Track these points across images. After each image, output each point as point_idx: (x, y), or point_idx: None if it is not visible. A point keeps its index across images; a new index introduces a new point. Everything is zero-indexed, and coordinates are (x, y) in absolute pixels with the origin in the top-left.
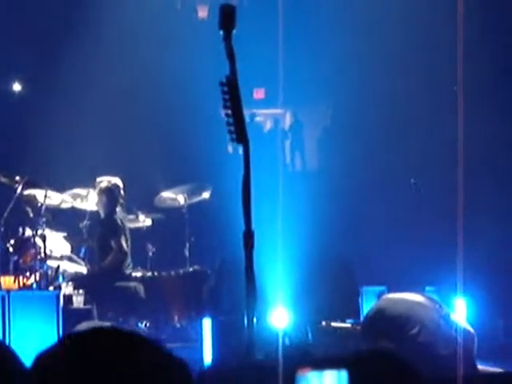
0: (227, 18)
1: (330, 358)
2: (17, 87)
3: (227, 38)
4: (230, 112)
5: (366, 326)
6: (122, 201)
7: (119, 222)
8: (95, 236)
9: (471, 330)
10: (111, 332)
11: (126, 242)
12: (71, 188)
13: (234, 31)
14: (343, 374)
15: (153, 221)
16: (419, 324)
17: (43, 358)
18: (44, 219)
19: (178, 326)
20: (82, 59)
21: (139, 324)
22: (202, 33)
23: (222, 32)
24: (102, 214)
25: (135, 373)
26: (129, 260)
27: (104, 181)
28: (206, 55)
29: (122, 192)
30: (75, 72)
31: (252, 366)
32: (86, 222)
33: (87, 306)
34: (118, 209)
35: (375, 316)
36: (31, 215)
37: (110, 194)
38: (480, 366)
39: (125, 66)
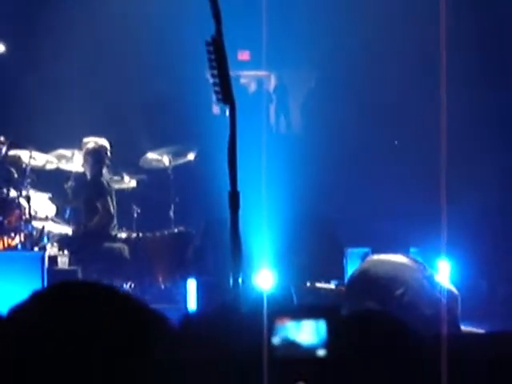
0: None
1: (308, 307)
2: (0, 48)
3: None
4: (215, 72)
5: (350, 287)
6: (108, 162)
7: (105, 183)
8: (81, 197)
9: (455, 290)
10: (82, 285)
11: (112, 203)
12: (56, 149)
13: None
14: (321, 324)
15: (138, 182)
16: (404, 285)
17: (16, 311)
18: (29, 180)
19: (163, 287)
20: (67, 18)
21: (124, 285)
22: None
23: None
24: (89, 176)
25: (105, 323)
26: (114, 221)
27: (90, 141)
28: (191, 15)
29: (108, 153)
30: (59, 31)
31: (231, 316)
32: (70, 183)
33: (72, 267)
34: (104, 170)
35: (360, 277)
36: (16, 176)
37: (96, 155)
38: (463, 327)
39: (109, 26)
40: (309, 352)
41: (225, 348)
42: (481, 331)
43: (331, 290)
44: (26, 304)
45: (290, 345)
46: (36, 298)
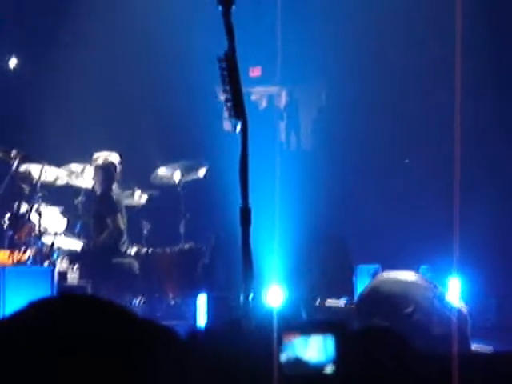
0: None
1: (315, 323)
2: (13, 62)
3: (226, 13)
4: (228, 88)
5: (360, 304)
6: (118, 177)
7: (115, 198)
8: (91, 213)
9: (465, 309)
10: (80, 298)
11: (122, 219)
12: (67, 163)
13: (233, 7)
14: (329, 340)
15: (148, 197)
16: (414, 303)
17: (11, 318)
18: (39, 195)
19: (173, 302)
20: (79, 34)
21: (134, 301)
22: (200, 9)
23: (220, 8)
24: (99, 191)
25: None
26: (124, 237)
27: (101, 157)
28: (204, 31)
29: (118, 168)
30: (72, 47)
31: (240, 331)
32: (81, 199)
33: (82, 282)
34: (115, 185)
35: (370, 294)
36: (27, 191)
37: (106, 170)
38: (473, 345)
39: (123, 42)
40: (317, 369)
41: (231, 362)
42: (490, 349)
43: (341, 307)
44: (21, 311)
45: (298, 362)
46: (32, 306)
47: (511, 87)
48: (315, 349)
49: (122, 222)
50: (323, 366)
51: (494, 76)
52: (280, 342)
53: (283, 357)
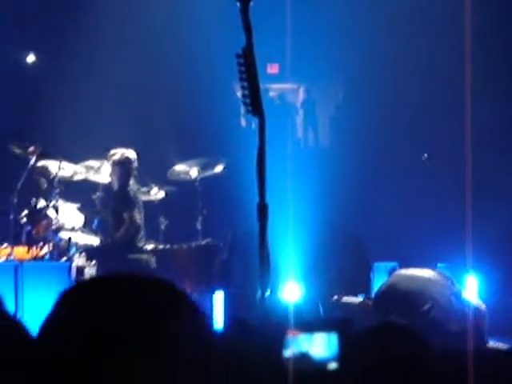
0: None
1: (320, 321)
2: (31, 58)
3: (244, 10)
4: (245, 84)
5: (377, 301)
6: (135, 173)
7: (132, 194)
8: (109, 208)
9: (483, 306)
10: (112, 279)
11: (139, 215)
12: (84, 160)
13: (251, 3)
14: (333, 337)
15: (166, 193)
16: (431, 300)
17: (48, 326)
18: (57, 190)
19: None
20: (98, 31)
21: None
22: (218, 5)
23: (239, 4)
24: (116, 187)
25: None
26: (142, 233)
27: (118, 153)
28: (222, 28)
29: (135, 164)
30: (90, 43)
31: (247, 331)
32: (98, 194)
33: None
34: (132, 181)
35: (387, 291)
36: (44, 186)
37: (123, 166)
38: (490, 343)
39: (140, 39)
40: (320, 365)
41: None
42: (506, 347)
43: (358, 304)
44: (55, 312)
45: (302, 357)
46: (65, 300)
47: None
48: (319, 345)
49: (139, 218)
50: (327, 362)
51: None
52: (284, 338)
53: (288, 353)
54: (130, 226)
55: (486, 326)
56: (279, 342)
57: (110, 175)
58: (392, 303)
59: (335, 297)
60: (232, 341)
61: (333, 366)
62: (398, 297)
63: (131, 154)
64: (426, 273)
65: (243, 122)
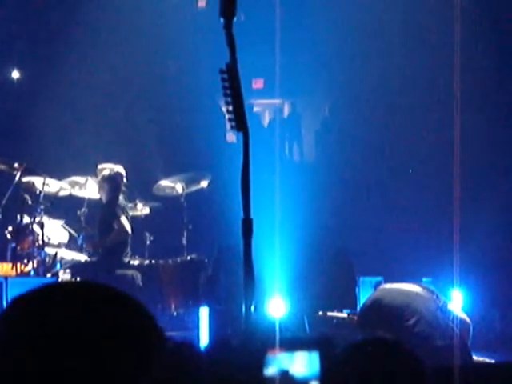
0: (228, 6)
1: (301, 339)
2: (15, 74)
3: (228, 25)
4: (229, 100)
5: (363, 315)
6: (124, 189)
7: (122, 207)
8: (96, 221)
9: (467, 319)
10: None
11: (128, 226)
12: (69, 176)
13: (235, 19)
14: (314, 356)
15: (151, 209)
16: (417, 314)
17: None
18: (42, 206)
19: (175, 314)
20: (81, 47)
21: None
22: (200, 21)
23: (222, 20)
24: (105, 202)
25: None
26: (127, 248)
27: (106, 168)
28: (208, 44)
29: (124, 180)
30: (74, 59)
31: (229, 349)
32: (83, 210)
33: None
34: (121, 197)
35: (372, 306)
36: (29, 202)
37: (112, 181)
38: (475, 357)
39: (123, 55)
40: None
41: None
42: (492, 362)
43: (343, 318)
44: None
45: (283, 376)
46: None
47: None
48: (301, 364)
49: (129, 227)
50: (308, 382)
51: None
52: (265, 356)
53: (269, 371)
54: (120, 232)
55: (469, 339)
56: (260, 361)
57: (99, 191)
58: (377, 317)
59: (320, 312)
60: (214, 360)
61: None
62: (383, 311)
63: (120, 169)
64: (411, 287)
65: (229, 138)
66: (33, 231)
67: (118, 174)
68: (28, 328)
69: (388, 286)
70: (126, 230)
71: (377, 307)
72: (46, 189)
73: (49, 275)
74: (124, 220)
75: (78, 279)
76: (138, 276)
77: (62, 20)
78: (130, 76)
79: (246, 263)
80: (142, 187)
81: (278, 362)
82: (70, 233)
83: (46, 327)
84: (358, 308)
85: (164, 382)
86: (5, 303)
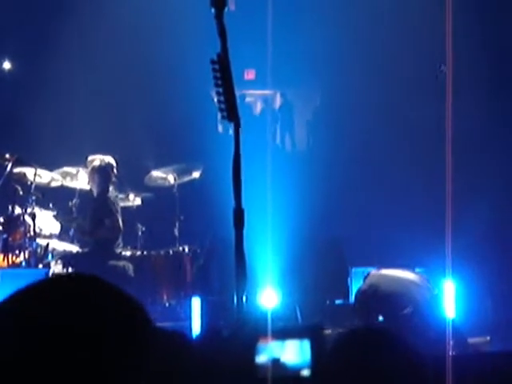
0: None
1: (292, 327)
2: (7, 65)
3: (219, 15)
4: (220, 90)
5: (358, 301)
6: (114, 179)
7: (112, 200)
8: (88, 214)
9: (460, 311)
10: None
11: (120, 222)
12: (61, 166)
13: (226, 9)
14: (305, 344)
15: (142, 200)
16: (412, 303)
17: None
18: (34, 197)
19: (167, 305)
20: (72, 38)
21: None
22: (192, 11)
23: (213, 10)
24: (95, 193)
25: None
26: (119, 239)
27: (97, 159)
28: (199, 34)
29: (114, 170)
30: (65, 51)
31: (220, 339)
32: (75, 201)
33: None
34: (111, 188)
35: (368, 292)
36: (21, 193)
37: (103, 172)
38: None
39: (115, 45)
40: (293, 372)
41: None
42: (486, 340)
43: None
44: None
45: (274, 364)
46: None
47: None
48: (292, 352)
49: (120, 223)
50: (300, 369)
51: (492, 82)
52: (257, 345)
53: (260, 359)
54: (112, 229)
55: (464, 329)
56: (252, 349)
57: (89, 182)
58: (373, 304)
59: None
60: (205, 349)
61: (305, 372)
62: (380, 298)
63: (110, 160)
64: (406, 274)
65: (221, 128)
66: (24, 222)
67: (109, 165)
68: (18, 323)
69: (383, 271)
70: (118, 227)
71: (373, 294)
72: (38, 180)
73: (40, 266)
74: (116, 217)
75: (70, 270)
76: (130, 267)
77: (54, 11)
78: (121, 68)
79: (238, 254)
80: (134, 178)
81: (269, 350)
82: (61, 223)
83: (36, 320)
84: (351, 298)
85: (155, 372)
86: None
